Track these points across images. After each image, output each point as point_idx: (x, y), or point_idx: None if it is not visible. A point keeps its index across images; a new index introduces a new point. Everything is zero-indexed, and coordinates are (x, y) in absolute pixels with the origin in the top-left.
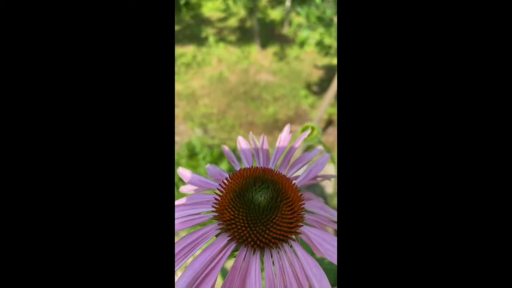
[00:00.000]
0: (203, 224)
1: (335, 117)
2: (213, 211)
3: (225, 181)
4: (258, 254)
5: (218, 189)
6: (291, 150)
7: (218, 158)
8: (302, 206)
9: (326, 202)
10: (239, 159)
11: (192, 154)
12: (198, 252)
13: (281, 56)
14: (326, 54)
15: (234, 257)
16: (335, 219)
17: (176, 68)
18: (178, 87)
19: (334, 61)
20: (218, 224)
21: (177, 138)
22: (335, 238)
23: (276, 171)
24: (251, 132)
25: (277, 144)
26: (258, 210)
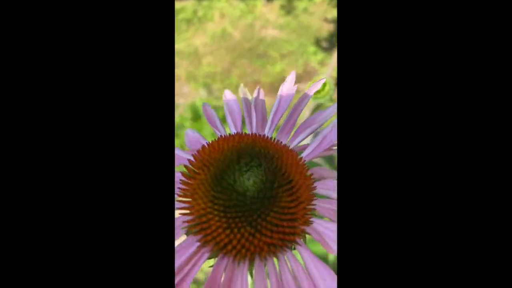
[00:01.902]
0: None
1: None
2: (177, 200)
3: (197, 155)
4: (245, 265)
5: (185, 166)
6: (296, 108)
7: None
8: (311, 193)
9: None
10: (224, 121)
11: (196, 116)
12: None
13: (288, 9)
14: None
15: (211, 266)
16: None
17: (176, 25)
18: (180, 45)
19: None
20: (183, 222)
21: (181, 100)
22: None
23: (274, 140)
24: (242, 85)
25: (277, 99)
26: (243, 202)
